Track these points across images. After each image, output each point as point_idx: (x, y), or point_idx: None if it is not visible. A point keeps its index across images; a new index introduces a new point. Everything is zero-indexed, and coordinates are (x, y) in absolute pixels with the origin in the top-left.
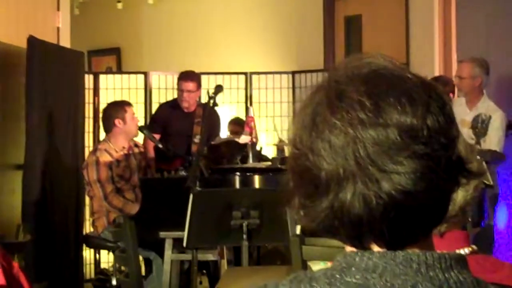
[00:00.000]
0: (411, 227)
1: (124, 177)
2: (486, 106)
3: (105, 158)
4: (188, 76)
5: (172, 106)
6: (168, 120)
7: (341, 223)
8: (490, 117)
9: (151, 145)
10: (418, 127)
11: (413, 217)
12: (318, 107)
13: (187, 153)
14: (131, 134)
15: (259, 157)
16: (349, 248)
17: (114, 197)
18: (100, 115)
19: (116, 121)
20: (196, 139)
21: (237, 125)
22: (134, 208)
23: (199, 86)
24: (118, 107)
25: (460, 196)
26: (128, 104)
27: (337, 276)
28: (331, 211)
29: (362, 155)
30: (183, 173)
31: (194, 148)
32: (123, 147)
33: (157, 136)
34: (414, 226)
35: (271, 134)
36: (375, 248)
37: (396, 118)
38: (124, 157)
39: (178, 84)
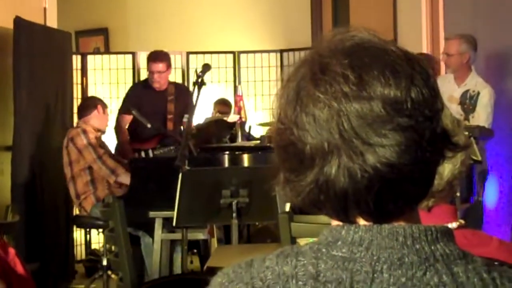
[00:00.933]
0: (397, 200)
1: (107, 152)
2: (475, 82)
3: (90, 129)
4: (158, 57)
5: (144, 86)
6: (140, 100)
7: (327, 197)
8: (478, 93)
9: (125, 127)
10: (402, 99)
11: (399, 190)
12: (302, 81)
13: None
14: (102, 126)
15: (248, 135)
16: (335, 222)
17: (107, 158)
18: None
19: (99, 106)
20: (172, 117)
21: (224, 105)
22: (125, 175)
23: (169, 65)
24: (100, 100)
25: (447, 170)
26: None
27: (323, 250)
28: (316, 185)
29: (346, 128)
30: (160, 152)
31: (169, 125)
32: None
33: (129, 117)
34: (399, 199)
35: (260, 112)
36: (361, 221)
37: (380, 91)
38: (101, 139)
39: (148, 65)
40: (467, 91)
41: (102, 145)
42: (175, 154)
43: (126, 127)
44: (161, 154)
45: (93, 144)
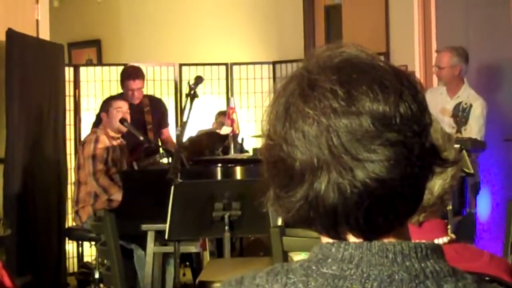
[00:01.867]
0: (386, 216)
1: (116, 164)
2: (467, 95)
3: (104, 138)
4: (136, 75)
5: (119, 99)
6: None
7: (316, 214)
8: (471, 106)
9: None
10: (391, 114)
11: (388, 205)
12: (291, 97)
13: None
14: (112, 127)
15: (241, 148)
16: (325, 239)
17: (101, 176)
18: (81, 107)
19: (102, 114)
20: (152, 127)
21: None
22: (118, 194)
23: (143, 79)
24: (106, 102)
25: (437, 185)
26: (116, 98)
27: (313, 267)
28: (306, 202)
29: (335, 144)
30: (146, 162)
31: (150, 135)
32: (118, 136)
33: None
34: (389, 215)
35: (252, 124)
36: (351, 238)
37: (368, 106)
38: (118, 146)
39: (125, 84)
40: (459, 103)
41: (114, 157)
42: (166, 166)
43: None
44: (147, 165)
45: (96, 157)
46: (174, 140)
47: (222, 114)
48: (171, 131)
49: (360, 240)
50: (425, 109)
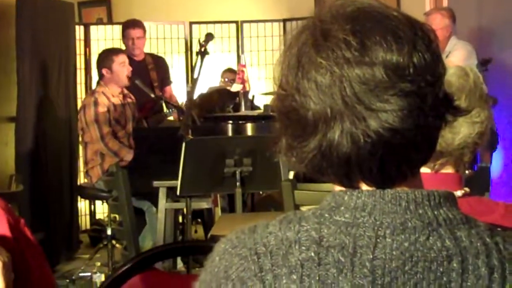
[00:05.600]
0: (399, 165)
1: (120, 122)
2: (454, 43)
3: (103, 99)
4: (135, 24)
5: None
6: None
7: (330, 163)
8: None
9: None
10: (404, 64)
11: (401, 154)
12: (304, 47)
13: (154, 99)
14: (120, 83)
15: (251, 105)
16: (338, 188)
17: (110, 139)
18: (92, 66)
19: (103, 71)
20: (158, 84)
21: (232, 73)
22: (129, 155)
23: (145, 32)
24: (105, 57)
25: (461, 134)
26: (117, 52)
27: (326, 215)
28: (319, 151)
29: (349, 94)
30: (156, 119)
31: (157, 92)
32: (119, 93)
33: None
34: (402, 164)
35: (263, 82)
36: (364, 187)
37: (382, 56)
38: (120, 103)
39: (125, 33)
40: (447, 56)
41: (116, 116)
42: (177, 123)
43: None
44: (156, 122)
45: (100, 121)
46: (176, 98)
47: (228, 71)
48: (182, 88)
49: (373, 188)
50: (438, 59)
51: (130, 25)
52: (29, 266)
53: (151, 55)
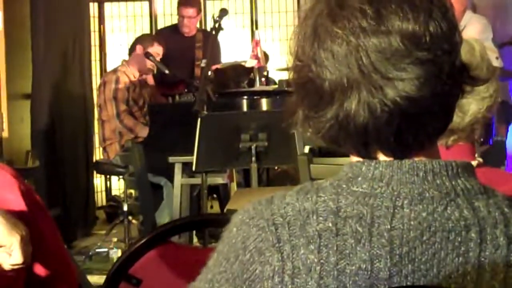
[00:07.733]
0: (417, 134)
1: (137, 103)
2: (469, 18)
3: (124, 78)
4: (188, 2)
5: (172, 30)
6: (167, 45)
7: (347, 133)
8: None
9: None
10: (421, 33)
11: (418, 123)
12: (319, 17)
13: (191, 77)
14: (143, 66)
15: (267, 81)
16: (355, 159)
17: (126, 116)
18: (106, 43)
19: (137, 47)
20: (200, 63)
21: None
22: (143, 130)
23: (199, 11)
24: (149, 38)
25: (471, 110)
26: (159, 42)
27: (344, 186)
28: (336, 121)
29: (365, 63)
30: (186, 98)
31: (197, 72)
32: (139, 75)
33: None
34: (419, 133)
35: (277, 57)
36: (381, 157)
37: (398, 25)
38: (139, 84)
39: (178, 10)
40: (463, 29)
41: (135, 96)
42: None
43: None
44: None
45: (118, 99)
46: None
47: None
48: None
49: (391, 158)
50: (455, 27)
51: (183, 3)
52: (43, 233)
53: (204, 32)
